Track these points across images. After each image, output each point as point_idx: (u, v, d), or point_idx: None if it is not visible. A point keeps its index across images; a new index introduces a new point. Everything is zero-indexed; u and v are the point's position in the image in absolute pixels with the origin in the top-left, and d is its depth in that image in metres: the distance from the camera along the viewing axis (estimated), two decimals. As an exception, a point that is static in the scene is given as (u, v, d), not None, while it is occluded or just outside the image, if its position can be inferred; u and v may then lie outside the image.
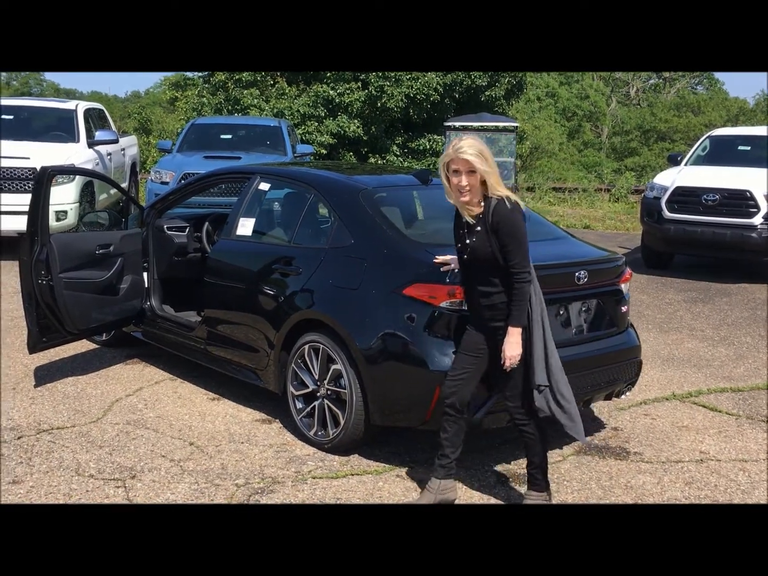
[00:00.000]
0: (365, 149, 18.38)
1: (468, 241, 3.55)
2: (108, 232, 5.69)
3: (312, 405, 4.48)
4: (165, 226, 5.83)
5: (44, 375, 5.53)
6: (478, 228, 3.51)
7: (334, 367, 4.31)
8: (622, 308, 4.51)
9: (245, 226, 5.07)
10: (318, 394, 4.44)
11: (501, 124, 14.70)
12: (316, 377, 4.43)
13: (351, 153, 18.17)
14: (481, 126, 14.59)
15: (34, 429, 4.61)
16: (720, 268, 10.38)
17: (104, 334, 6.04)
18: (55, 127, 11.01)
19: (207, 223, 5.87)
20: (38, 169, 9.14)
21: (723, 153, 10.71)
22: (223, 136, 11.90)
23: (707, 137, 11.18)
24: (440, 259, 3.94)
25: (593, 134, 46.85)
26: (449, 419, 3.71)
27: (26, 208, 9.13)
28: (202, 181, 5.66)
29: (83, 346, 6.07)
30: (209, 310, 5.21)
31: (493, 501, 3.95)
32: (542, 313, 3.58)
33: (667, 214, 9.81)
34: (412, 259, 4.13)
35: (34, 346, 5.12)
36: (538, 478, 3.73)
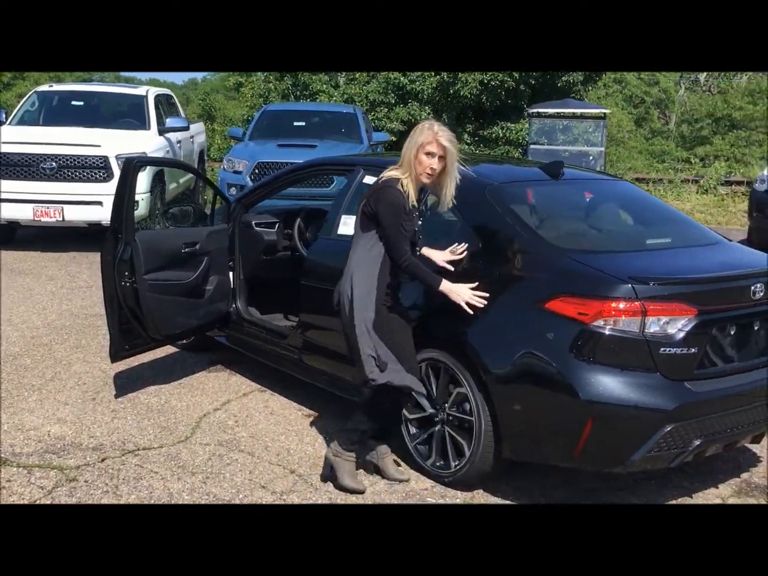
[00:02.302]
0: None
1: (419, 224, 3.65)
2: (194, 228, 5.21)
3: (429, 431, 3.93)
4: (253, 222, 5.33)
5: (124, 383, 5.08)
6: (420, 207, 3.71)
7: (458, 389, 3.75)
8: (797, 327, 3.84)
9: (348, 225, 4.50)
10: (437, 419, 3.89)
11: (589, 111, 13.90)
12: (435, 400, 3.88)
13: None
14: (560, 113, 13.81)
15: (119, 449, 4.15)
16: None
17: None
18: (126, 113, 10.64)
19: (299, 219, 5.35)
20: (108, 158, 8.94)
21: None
22: (296, 124, 11.39)
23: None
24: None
25: (661, 122, 45.30)
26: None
27: (97, 198, 9.08)
28: (295, 173, 5.13)
29: (162, 350, 5.60)
30: (305, 315, 4.69)
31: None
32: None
33: (780, 209, 9.01)
34: (556, 267, 3.53)
35: (116, 354, 4.66)
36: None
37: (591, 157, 12.98)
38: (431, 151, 3.48)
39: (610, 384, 3.32)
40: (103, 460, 4.02)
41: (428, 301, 3.88)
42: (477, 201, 3.94)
